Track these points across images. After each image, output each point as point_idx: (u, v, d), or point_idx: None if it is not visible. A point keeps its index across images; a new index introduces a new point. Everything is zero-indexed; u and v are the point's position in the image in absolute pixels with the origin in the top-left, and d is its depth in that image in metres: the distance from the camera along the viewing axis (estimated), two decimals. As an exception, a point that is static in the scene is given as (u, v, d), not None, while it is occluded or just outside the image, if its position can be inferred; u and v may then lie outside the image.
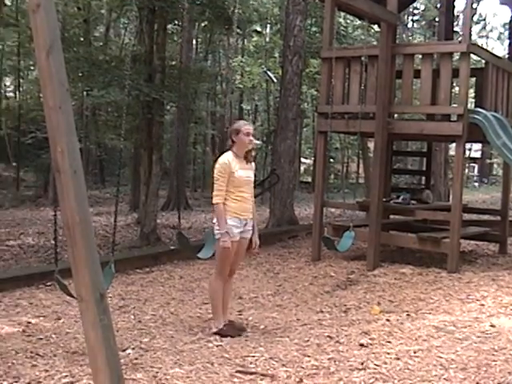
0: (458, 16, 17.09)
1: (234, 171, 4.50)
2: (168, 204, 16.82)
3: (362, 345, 4.15)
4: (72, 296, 4.13)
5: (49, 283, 6.09)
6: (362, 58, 7.53)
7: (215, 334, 4.53)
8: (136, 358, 3.94)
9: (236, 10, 8.72)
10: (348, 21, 19.50)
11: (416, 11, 25.43)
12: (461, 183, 6.82)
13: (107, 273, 4.47)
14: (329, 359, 3.88)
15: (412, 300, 5.52)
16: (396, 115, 7.72)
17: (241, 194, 4.55)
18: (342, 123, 7.56)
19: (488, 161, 33.46)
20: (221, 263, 4.60)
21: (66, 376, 3.60)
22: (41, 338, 4.43)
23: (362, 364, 3.74)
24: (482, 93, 7.37)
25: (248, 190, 4.63)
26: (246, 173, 4.61)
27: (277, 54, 20.03)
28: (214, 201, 4.52)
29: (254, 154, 4.96)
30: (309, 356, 3.95)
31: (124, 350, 4.08)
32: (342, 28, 17.91)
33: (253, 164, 4.77)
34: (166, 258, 7.67)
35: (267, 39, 21.81)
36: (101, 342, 2.54)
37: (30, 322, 4.85)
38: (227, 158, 4.56)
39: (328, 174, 11.60)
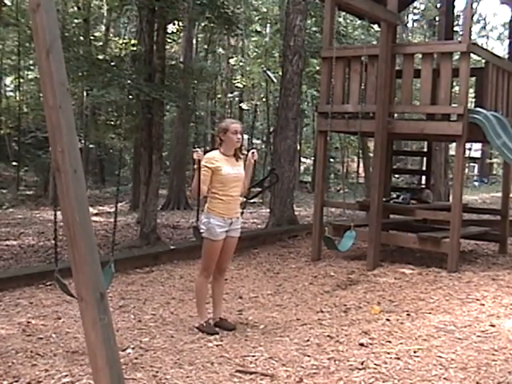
0: (458, 16, 17.08)
1: (221, 167, 4.52)
2: (168, 204, 16.82)
3: (361, 344, 4.15)
4: (72, 295, 4.13)
5: (49, 283, 6.09)
6: (362, 58, 7.53)
7: (196, 328, 4.64)
8: (136, 358, 3.95)
9: (236, 10, 8.71)
10: (348, 20, 19.47)
11: (416, 11, 25.41)
12: (461, 183, 6.82)
13: (107, 272, 4.48)
14: (329, 359, 3.88)
15: (412, 300, 5.52)
16: (396, 115, 7.72)
17: (229, 192, 4.55)
18: (342, 123, 7.55)
19: (488, 161, 33.40)
20: (205, 260, 4.67)
21: (66, 376, 3.61)
22: (41, 338, 4.43)
23: (362, 364, 3.75)
24: (482, 92, 7.36)
25: (237, 187, 4.62)
26: (234, 170, 4.61)
27: (277, 54, 20.02)
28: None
29: (245, 151, 4.93)
30: (309, 356, 3.95)
31: (124, 350, 4.08)
32: (341, 28, 17.88)
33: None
34: (165, 258, 7.67)
35: (267, 39, 21.79)
36: (101, 342, 2.54)
37: (29, 322, 4.85)
38: (212, 154, 4.63)
39: (328, 174, 11.58)
